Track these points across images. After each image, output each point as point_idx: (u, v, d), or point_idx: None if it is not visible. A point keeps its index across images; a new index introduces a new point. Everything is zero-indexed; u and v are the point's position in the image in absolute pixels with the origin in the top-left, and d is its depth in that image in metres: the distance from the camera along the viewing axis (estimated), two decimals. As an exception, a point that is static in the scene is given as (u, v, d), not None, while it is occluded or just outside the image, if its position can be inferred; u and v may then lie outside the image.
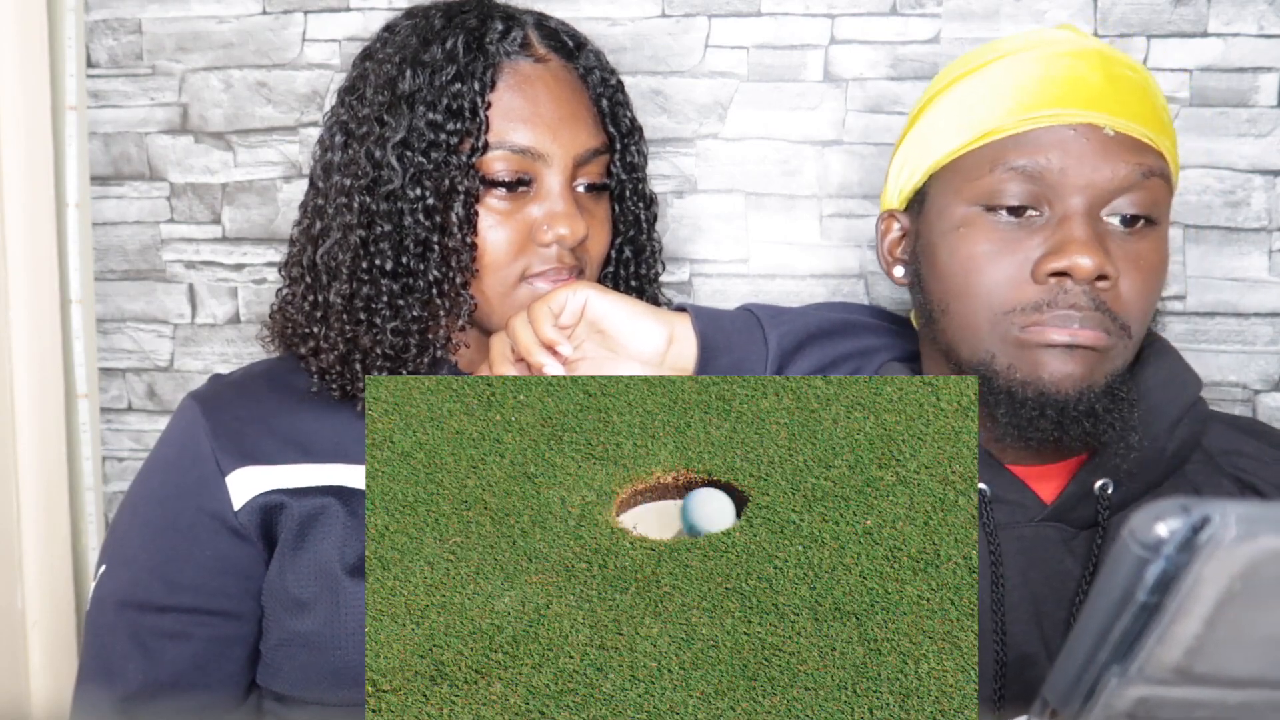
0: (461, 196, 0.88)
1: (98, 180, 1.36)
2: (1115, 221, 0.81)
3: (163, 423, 1.01)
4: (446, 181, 0.88)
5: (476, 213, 0.90)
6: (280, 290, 0.97)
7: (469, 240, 0.89)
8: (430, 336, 0.92)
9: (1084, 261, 0.78)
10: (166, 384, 1.38)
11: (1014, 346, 0.80)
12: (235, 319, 1.36)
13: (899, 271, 0.92)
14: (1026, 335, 0.80)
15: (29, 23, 1.27)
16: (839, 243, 1.28)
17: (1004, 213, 0.81)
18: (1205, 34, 1.21)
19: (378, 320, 0.90)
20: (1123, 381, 0.82)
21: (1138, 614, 0.41)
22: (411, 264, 0.89)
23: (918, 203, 0.89)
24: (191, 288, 1.36)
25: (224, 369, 1.03)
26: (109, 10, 1.34)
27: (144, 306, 1.37)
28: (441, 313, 0.91)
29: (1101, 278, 0.79)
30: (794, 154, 1.27)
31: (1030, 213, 0.81)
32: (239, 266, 1.35)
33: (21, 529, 1.29)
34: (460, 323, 0.92)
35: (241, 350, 1.36)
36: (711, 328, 0.92)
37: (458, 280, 0.90)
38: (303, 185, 0.99)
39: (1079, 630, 0.44)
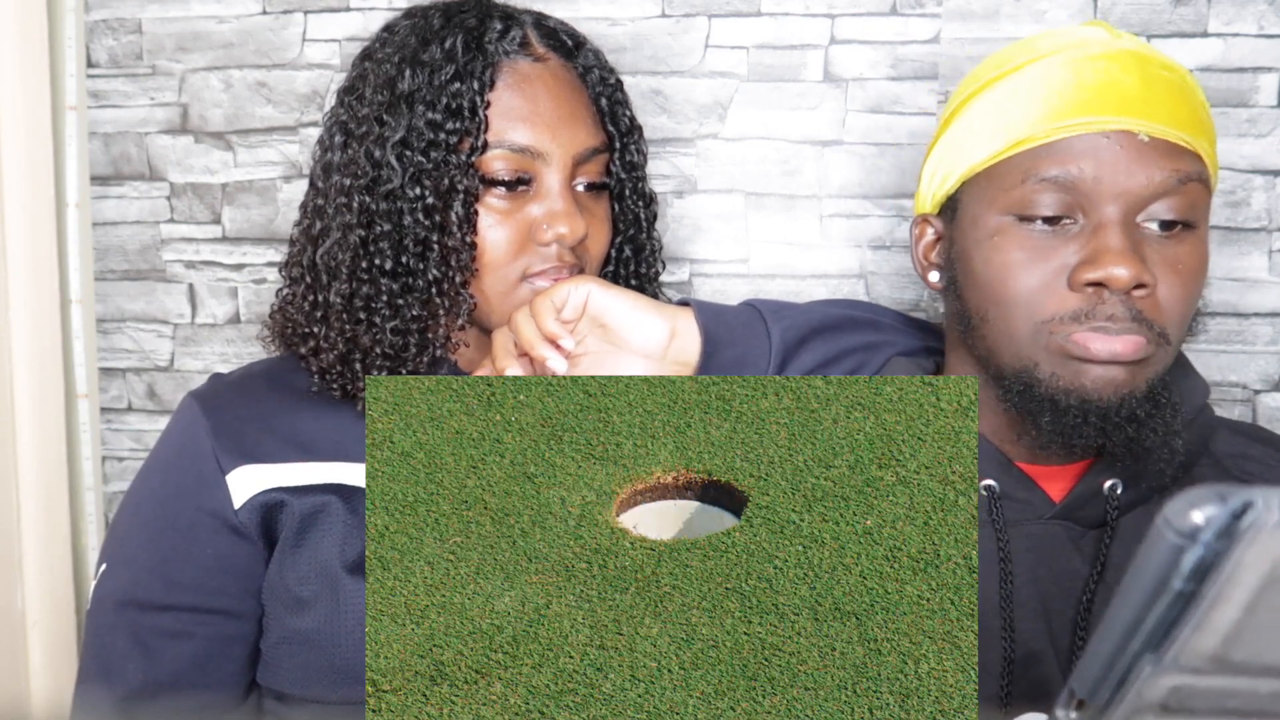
0: (461, 196, 0.88)
1: (98, 180, 1.36)
2: (1153, 226, 0.80)
3: (163, 423, 1.01)
4: (446, 181, 0.88)
5: (476, 212, 0.90)
6: (280, 290, 0.97)
7: (468, 239, 0.89)
8: (430, 336, 0.92)
9: (1120, 272, 0.77)
10: (166, 384, 1.38)
11: (1057, 355, 0.79)
12: (235, 319, 1.36)
13: (934, 276, 0.90)
14: (1069, 346, 0.79)
15: (29, 23, 1.27)
16: (839, 243, 1.28)
17: (1039, 222, 0.80)
18: (1205, 34, 1.21)
19: (377, 320, 0.90)
20: (1163, 386, 0.82)
21: (1173, 602, 0.40)
22: (411, 263, 0.89)
23: (951, 208, 0.87)
24: (191, 288, 1.36)
25: (224, 369, 1.03)
26: (109, 10, 1.34)
27: (144, 306, 1.37)
28: (441, 312, 0.91)
29: (1139, 286, 0.78)
30: (794, 154, 1.27)
31: (1065, 221, 0.80)
32: (239, 266, 1.35)
33: (21, 529, 1.29)
34: (460, 322, 0.92)
35: (241, 350, 1.36)
36: (714, 322, 0.91)
37: (457, 279, 0.90)
38: (303, 185, 0.99)
39: (1110, 620, 0.44)
